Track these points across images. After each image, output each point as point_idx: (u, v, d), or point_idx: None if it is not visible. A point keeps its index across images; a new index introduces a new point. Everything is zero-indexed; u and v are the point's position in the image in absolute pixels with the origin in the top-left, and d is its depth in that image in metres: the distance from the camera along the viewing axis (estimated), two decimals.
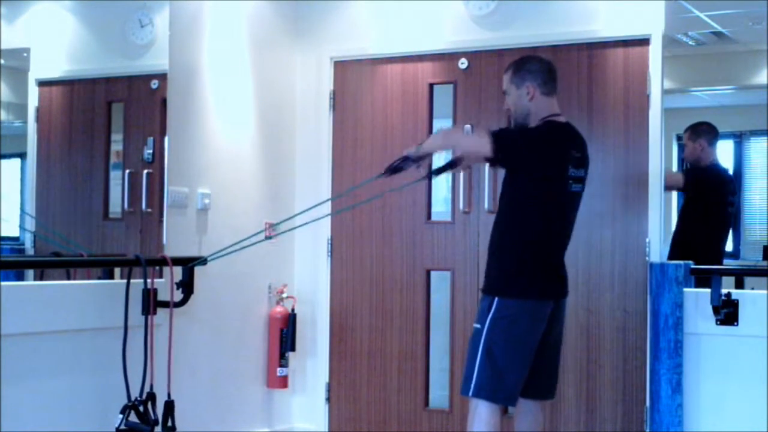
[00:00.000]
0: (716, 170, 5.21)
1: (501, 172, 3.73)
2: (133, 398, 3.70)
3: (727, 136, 6.02)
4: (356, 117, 5.06)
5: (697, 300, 4.09)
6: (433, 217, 4.90)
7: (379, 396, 4.95)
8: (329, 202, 4.74)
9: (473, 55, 4.78)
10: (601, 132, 4.48)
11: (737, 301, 3.99)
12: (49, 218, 4.31)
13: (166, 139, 4.28)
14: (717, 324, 4.01)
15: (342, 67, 5.10)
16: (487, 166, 4.43)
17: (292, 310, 4.89)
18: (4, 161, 4.23)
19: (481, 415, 3.45)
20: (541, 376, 3.59)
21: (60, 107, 4.40)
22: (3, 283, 3.42)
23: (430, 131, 4.88)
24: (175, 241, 4.28)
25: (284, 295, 4.93)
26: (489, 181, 4.64)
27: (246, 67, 4.83)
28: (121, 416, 3.64)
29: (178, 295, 3.96)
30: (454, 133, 4.19)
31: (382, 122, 5.00)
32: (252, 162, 4.87)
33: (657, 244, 4.34)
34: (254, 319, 4.85)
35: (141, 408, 3.69)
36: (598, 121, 4.49)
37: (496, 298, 3.48)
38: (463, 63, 4.80)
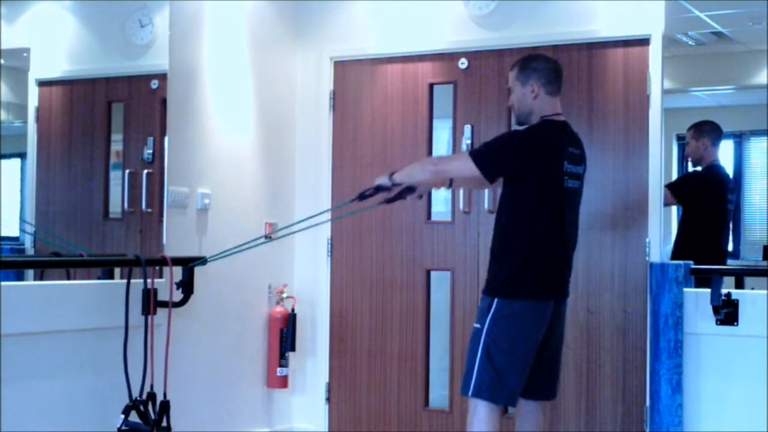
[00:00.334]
0: (709, 174, 5.11)
1: None
2: (133, 398, 3.71)
3: (727, 136, 6.01)
4: (356, 117, 5.06)
5: (697, 300, 4.08)
6: (433, 217, 4.90)
7: (379, 396, 4.95)
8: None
9: (473, 55, 4.78)
10: (601, 132, 4.47)
11: (737, 301, 3.99)
12: (49, 218, 4.31)
13: (166, 139, 4.28)
14: (717, 324, 4.02)
15: (342, 67, 5.10)
16: None
17: (292, 310, 4.89)
18: (4, 161, 4.23)
19: (480, 414, 3.45)
20: (541, 377, 3.59)
21: (60, 107, 4.40)
22: (3, 283, 3.42)
23: (430, 131, 4.89)
24: (175, 241, 4.28)
25: (284, 295, 4.92)
26: None
27: (246, 67, 4.83)
28: (122, 416, 3.64)
29: (178, 295, 3.97)
30: (430, 164, 3.76)
31: (382, 122, 4.99)
32: (252, 162, 4.87)
33: (657, 244, 4.33)
34: (254, 319, 4.85)
35: (142, 408, 3.70)
36: (598, 121, 4.49)
37: (496, 299, 3.48)
38: (463, 63, 4.80)
